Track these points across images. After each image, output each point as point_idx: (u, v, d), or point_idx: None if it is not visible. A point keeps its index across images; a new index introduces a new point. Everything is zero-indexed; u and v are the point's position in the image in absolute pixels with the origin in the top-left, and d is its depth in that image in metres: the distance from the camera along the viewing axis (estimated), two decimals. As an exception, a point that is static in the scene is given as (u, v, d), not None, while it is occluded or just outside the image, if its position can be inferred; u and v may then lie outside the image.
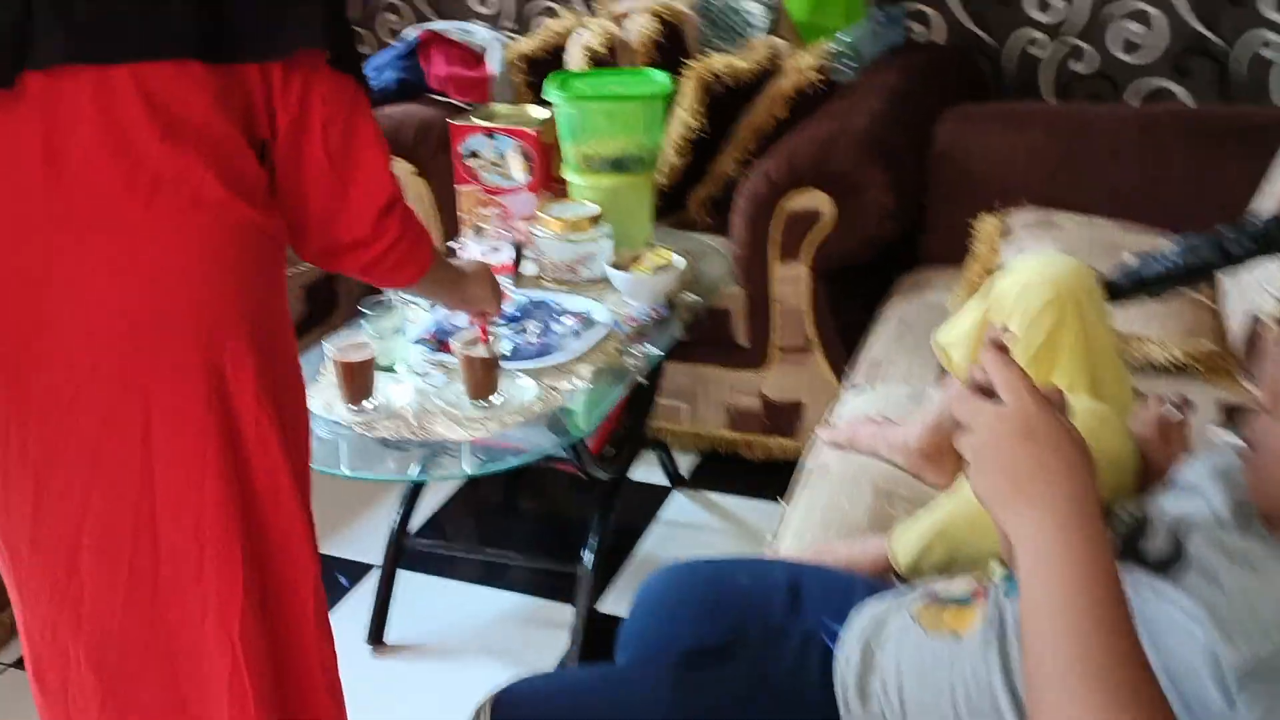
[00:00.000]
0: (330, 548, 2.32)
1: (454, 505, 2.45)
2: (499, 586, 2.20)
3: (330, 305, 2.84)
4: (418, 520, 2.26)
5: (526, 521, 2.41)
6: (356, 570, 2.27)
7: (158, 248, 1.13)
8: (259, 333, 1.19)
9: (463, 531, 2.38)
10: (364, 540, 2.31)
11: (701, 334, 2.40)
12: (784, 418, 2.46)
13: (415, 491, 2.13)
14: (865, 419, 1.70)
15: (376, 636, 2.06)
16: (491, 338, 1.70)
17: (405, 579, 2.14)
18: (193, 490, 1.18)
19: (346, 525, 2.38)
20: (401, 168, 2.60)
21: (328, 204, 1.23)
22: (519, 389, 1.74)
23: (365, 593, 2.15)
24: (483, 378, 1.69)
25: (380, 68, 2.72)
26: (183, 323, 1.15)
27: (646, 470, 2.48)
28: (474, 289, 1.61)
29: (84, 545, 1.19)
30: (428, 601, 2.17)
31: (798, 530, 1.52)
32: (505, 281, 1.98)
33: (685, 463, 2.56)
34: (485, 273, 1.65)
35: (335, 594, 2.20)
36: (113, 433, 1.15)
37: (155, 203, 1.11)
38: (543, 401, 1.72)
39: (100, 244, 1.12)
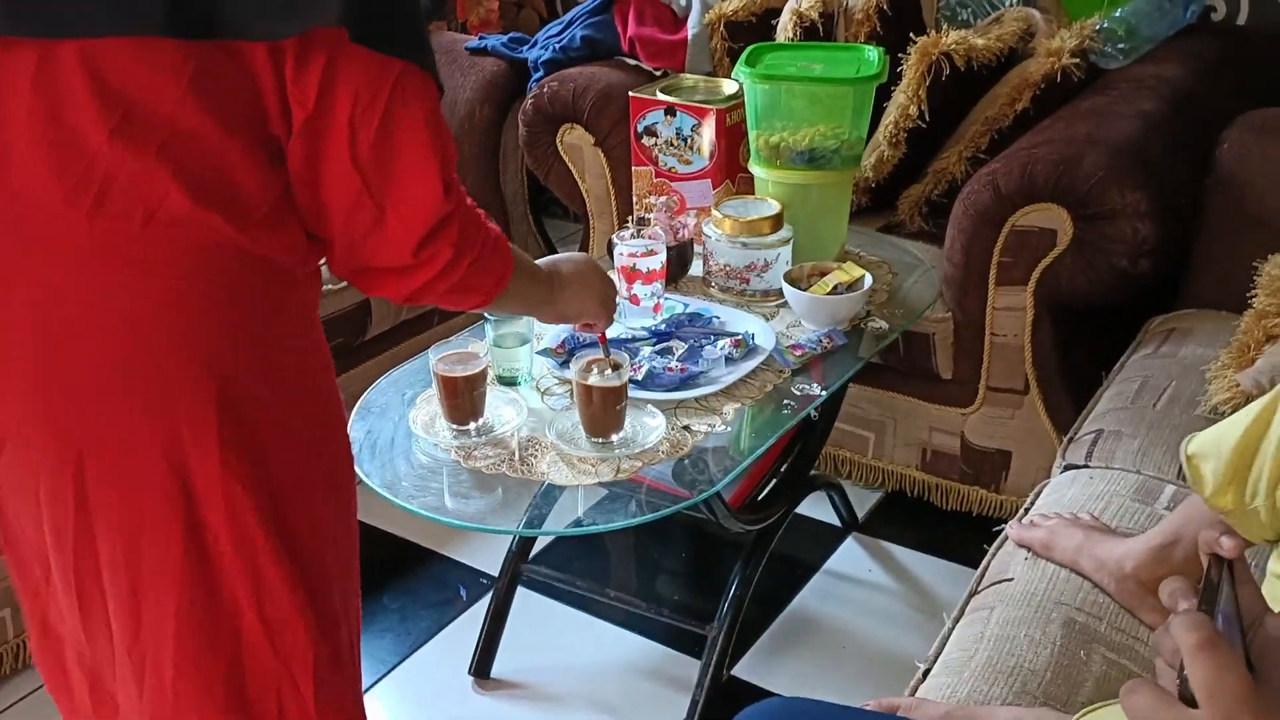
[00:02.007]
0: (452, 550, 2.13)
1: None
2: (623, 626, 1.94)
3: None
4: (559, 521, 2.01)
5: (662, 560, 2.13)
6: (477, 582, 2.06)
7: (100, 279, 0.90)
8: (235, 388, 0.95)
9: (588, 564, 2.12)
10: (492, 547, 2.10)
11: (898, 358, 2.05)
12: (987, 467, 2.07)
13: (547, 507, 1.90)
14: (1072, 519, 1.33)
15: (482, 669, 1.84)
16: (620, 364, 1.42)
17: (523, 597, 1.92)
18: (129, 583, 0.97)
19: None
20: (580, 138, 2.34)
21: (356, 224, 0.97)
22: (645, 425, 1.46)
23: (481, 611, 1.94)
24: (601, 412, 1.41)
25: (570, 23, 2.46)
26: (129, 382, 0.92)
27: (816, 504, 2.15)
28: (572, 301, 1.32)
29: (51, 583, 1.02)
30: (542, 630, 1.94)
31: (955, 664, 1.17)
32: (655, 289, 1.70)
33: (863, 500, 2.22)
34: (589, 276, 1.36)
35: (450, 607, 2.01)
36: (50, 497, 0.95)
37: (101, 216, 0.88)
38: (671, 444, 1.44)
39: (33, 269, 0.91)
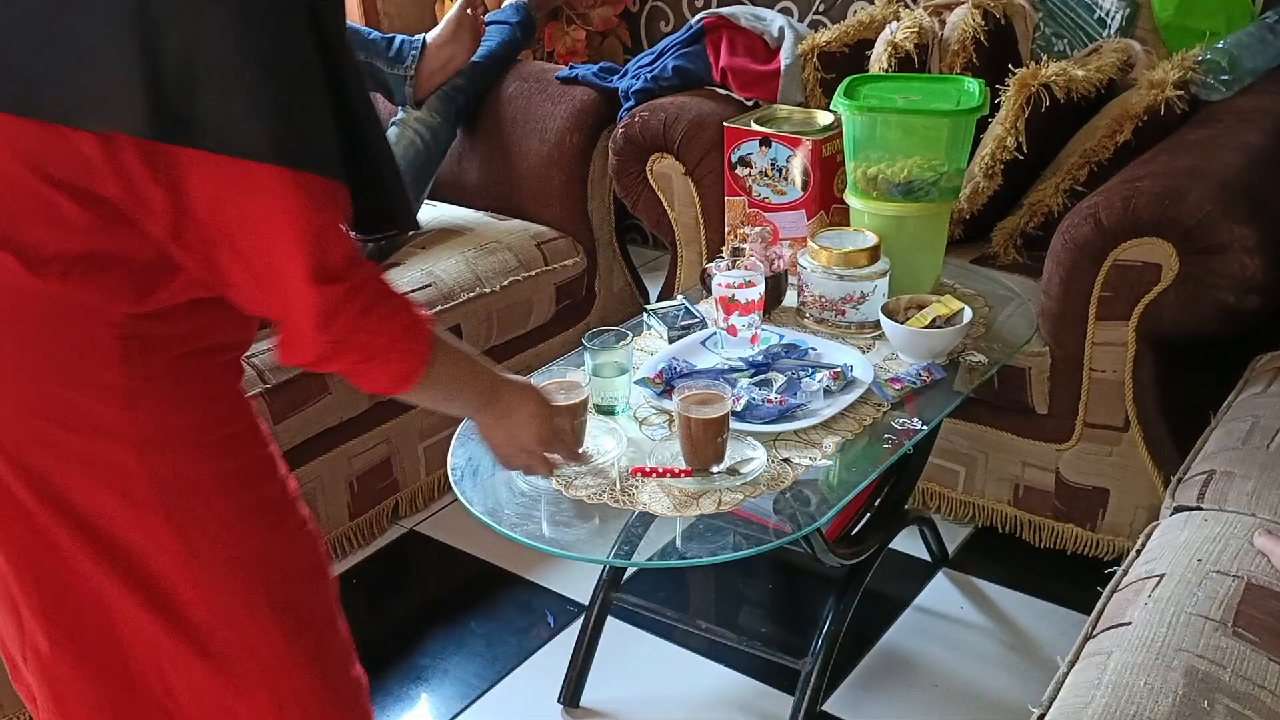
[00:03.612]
0: (539, 576, 2.14)
1: (683, 547, 2.20)
2: (715, 660, 1.92)
3: (585, 305, 2.65)
4: (642, 555, 2.00)
5: (755, 592, 2.11)
6: (566, 609, 2.07)
7: None
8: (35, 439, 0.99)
9: (677, 594, 2.12)
10: (578, 574, 2.10)
11: (991, 392, 2.02)
12: (1082, 504, 2.03)
13: (640, 531, 1.90)
14: None
15: (572, 698, 1.84)
16: (726, 397, 1.42)
17: (613, 627, 1.92)
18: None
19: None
20: (670, 166, 2.35)
21: (256, 310, 1.04)
22: (746, 457, 1.45)
23: (570, 638, 1.94)
24: (702, 443, 1.41)
25: (660, 54, 2.47)
26: None
27: (906, 539, 2.13)
28: (505, 427, 1.27)
29: None
30: (632, 660, 1.93)
31: (1071, 711, 1.15)
32: (753, 320, 1.70)
33: (954, 535, 2.18)
34: (532, 407, 1.28)
35: (539, 634, 2.01)
36: None
37: None
38: (772, 478, 1.43)
39: None
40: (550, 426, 1.30)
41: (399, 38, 2.50)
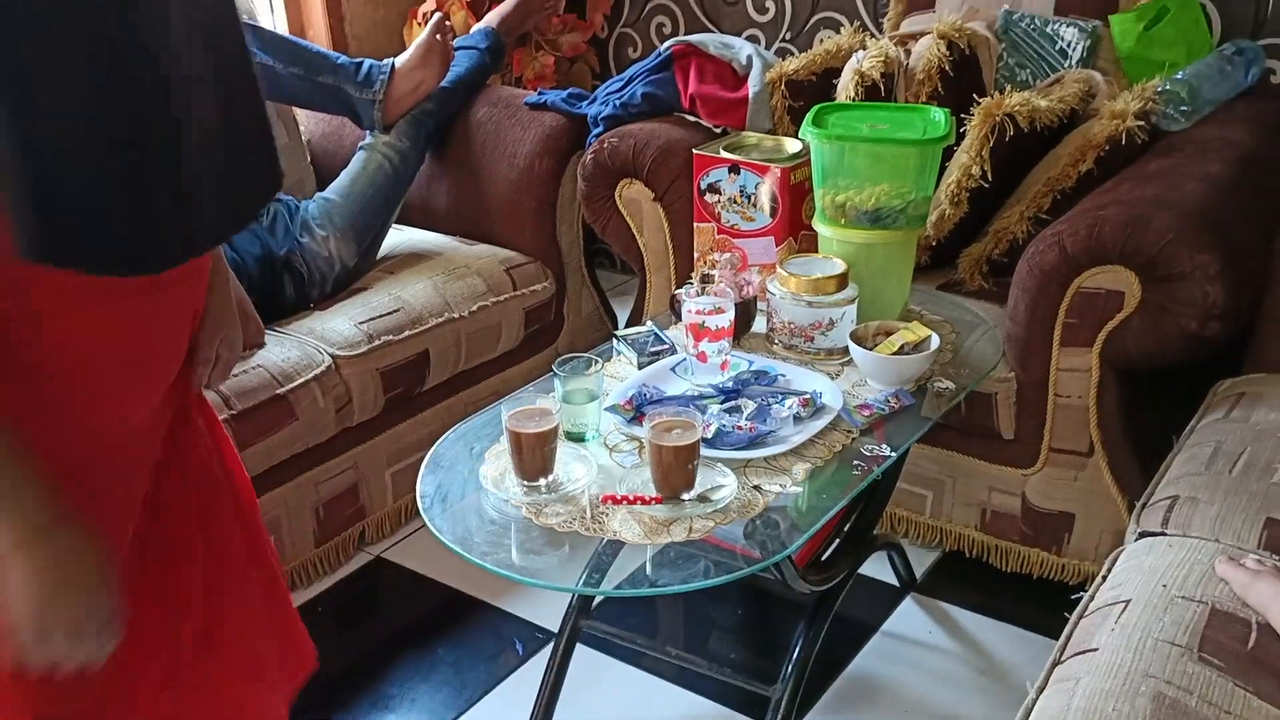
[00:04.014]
0: (506, 603, 2.13)
1: (653, 572, 2.20)
2: (685, 686, 1.92)
3: (554, 330, 2.65)
4: (611, 581, 2.00)
5: (724, 618, 2.11)
6: (533, 636, 2.05)
7: None
8: None
9: (650, 620, 2.11)
10: (546, 600, 2.09)
11: (958, 417, 2.04)
12: (1049, 529, 2.05)
13: (609, 558, 1.89)
14: (1273, 570, 1.30)
15: (539, 726, 1.83)
16: (696, 423, 1.42)
17: (582, 654, 1.91)
18: None
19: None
20: (639, 192, 2.36)
21: None
22: (716, 484, 1.45)
23: (537, 667, 1.93)
24: (673, 470, 1.41)
25: (629, 80, 2.49)
26: None
27: (875, 564, 2.13)
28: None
29: None
30: (603, 686, 1.92)
31: (1043, 738, 1.15)
32: (723, 347, 1.70)
33: (921, 560, 2.19)
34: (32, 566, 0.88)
35: (508, 662, 2.00)
36: None
37: None
38: (742, 505, 1.43)
39: None
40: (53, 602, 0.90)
41: (367, 62, 2.50)
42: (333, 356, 2.14)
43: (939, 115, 1.83)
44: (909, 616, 2.07)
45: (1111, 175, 2.02)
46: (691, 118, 2.43)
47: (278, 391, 2.03)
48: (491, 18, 2.83)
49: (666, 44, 2.50)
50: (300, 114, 2.72)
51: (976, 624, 2.05)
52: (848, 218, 1.82)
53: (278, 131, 2.63)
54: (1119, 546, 1.53)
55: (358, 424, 2.20)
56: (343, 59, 2.50)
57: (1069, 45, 2.35)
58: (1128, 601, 1.32)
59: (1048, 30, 2.37)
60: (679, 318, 1.84)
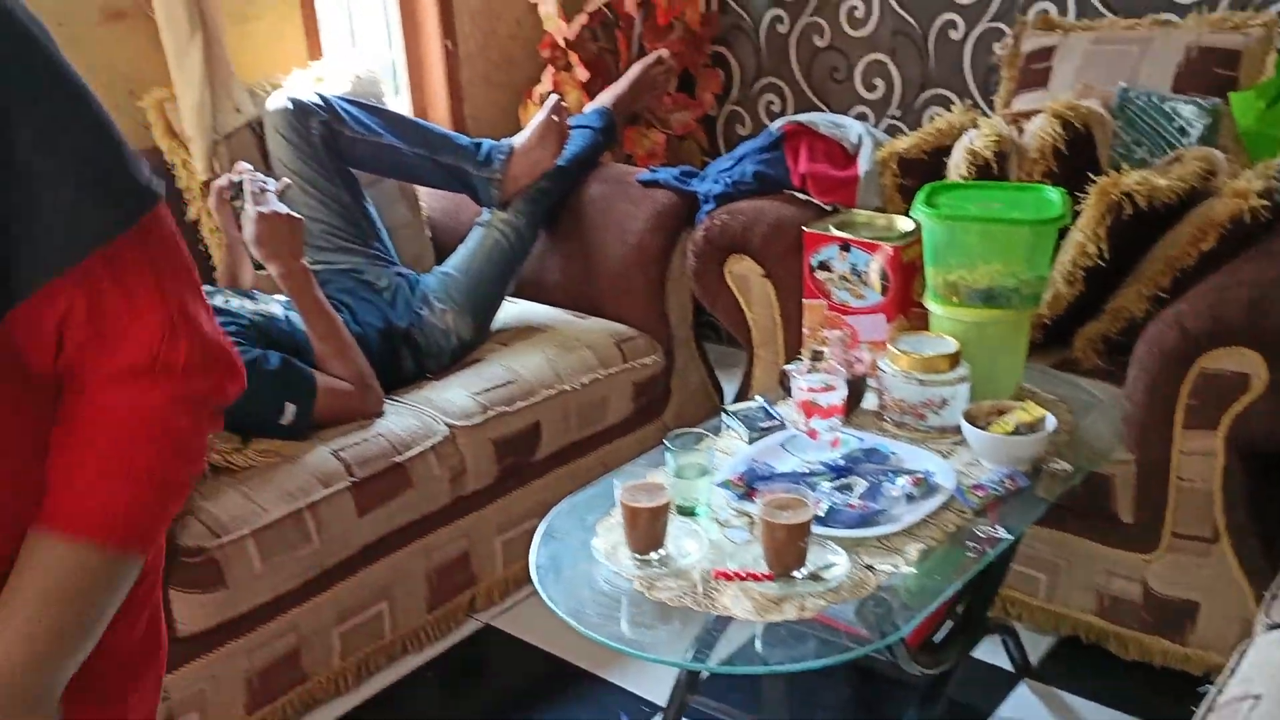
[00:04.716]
0: (617, 676, 2.13)
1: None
2: (791, 765, 1.90)
3: (662, 403, 2.68)
4: (718, 656, 1.98)
5: (832, 697, 2.08)
6: (639, 710, 2.05)
7: None
8: None
9: (757, 697, 2.08)
10: (653, 675, 2.09)
11: (1075, 499, 1.99)
12: (1171, 617, 1.98)
13: (717, 633, 1.88)
14: None
15: (644, 801, 1.82)
16: (808, 501, 1.43)
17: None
18: None
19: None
20: (749, 268, 2.39)
21: None
22: (828, 563, 1.45)
23: (643, 740, 1.93)
24: (785, 548, 1.42)
25: (740, 158, 2.53)
26: None
27: (988, 648, 2.09)
28: None
29: None
30: (709, 765, 1.91)
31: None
32: (834, 424, 1.71)
33: (1036, 645, 2.14)
34: None
35: (612, 734, 2.00)
36: None
37: None
38: (854, 584, 1.43)
39: None
40: None
41: (486, 143, 2.59)
42: (449, 426, 2.20)
43: (1053, 195, 1.82)
44: (1023, 703, 2.02)
45: (1233, 255, 1.98)
46: (801, 195, 2.46)
47: (395, 460, 2.09)
48: (605, 97, 2.92)
49: (777, 123, 2.54)
50: (421, 191, 2.83)
51: (1095, 714, 1.98)
52: (960, 296, 1.81)
53: (399, 210, 2.74)
54: (1247, 636, 1.47)
55: (471, 492, 2.25)
56: (463, 140, 2.60)
57: (1188, 123, 2.32)
58: (1258, 697, 1.27)
59: (1165, 108, 2.34)
60: (789, 393, 1.85)
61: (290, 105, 2.42)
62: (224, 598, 1.85)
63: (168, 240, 0.93)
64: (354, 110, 2.49)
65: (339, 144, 2.46)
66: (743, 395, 2.54)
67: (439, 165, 2.57)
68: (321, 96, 2.46)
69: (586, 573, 1.51)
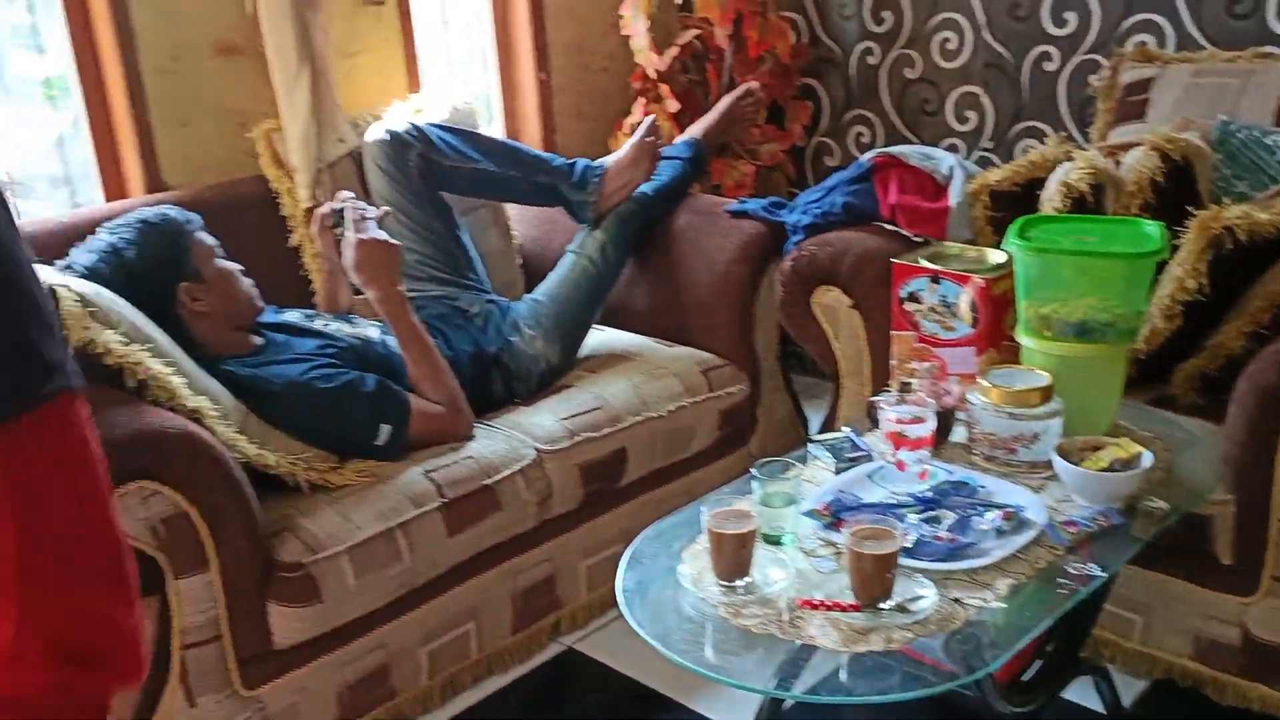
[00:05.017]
0: (698, 703, 2.13)
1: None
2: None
3: (747, 432, 2.68)
4: (801, 686, 1.96)
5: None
6: (721, 738, 2.05)
7: None
8: None
9: None
10: (733, 702, 2.09)
11: (1171, 539, 1.95)
12: (1271, 663, 1.92)
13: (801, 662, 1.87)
14: None
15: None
16: (896, 532, 1.43)
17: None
18: None
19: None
20: (836, 299, 2.39)
21: None
22: (915, 595, 1.45)
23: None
24: (872, 578, 1.42)
25: (829, 189, 2.54)
26: None
27: (1079, 690, 2.04)
28: None
29: None
30: (790, 797, 1.90)
31: None
32: (922, 456, 1.70)
33: (1129, 687, 2.09)
34: None
35: (693, 761, 2.00)
36: None
37: None
38: (943, 618, 1.42)
39: None
40: None
41: (580, 162, 2.65)
42: (537, 450, 2.23)
43: (1151, 228, 1.80)
44: (1115, 747, 1.97)
45: (1340, 291, 1.93)
46: (890, 227, 2.46)
47: (485, 482, 2.13)
48: (695, 129, 2.95)
49: (867, 155, 2.55)
50: (512, 219, 2.88)
51: (1190, 760, 1.93)
52: (1053, 330, 1.80)
53: (491, 238, 2.80)
54: (1353, 686, 1.43)
55: (556, 516, 2.28)
56: (557, 160, 2.66)
57: (1291, 156, 2.27)
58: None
59: (1267, 141, 2.29)
60: (876, 424, 1.85)
61: (387, 138, 2.50)
62: (319, 612, 1.90)
63: (69, 453, 0.90)
64: (448, 137, 2.56)
65: (436, 172, 2.53)
66: (828, 426, 2.53)
67: (535, 185, 2.63)
68: (416, 126, 2.53)
69: (672, 598, 1.53)
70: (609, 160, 2.65)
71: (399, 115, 2.65)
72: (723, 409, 2.55)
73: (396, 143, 2.50)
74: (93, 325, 1.79)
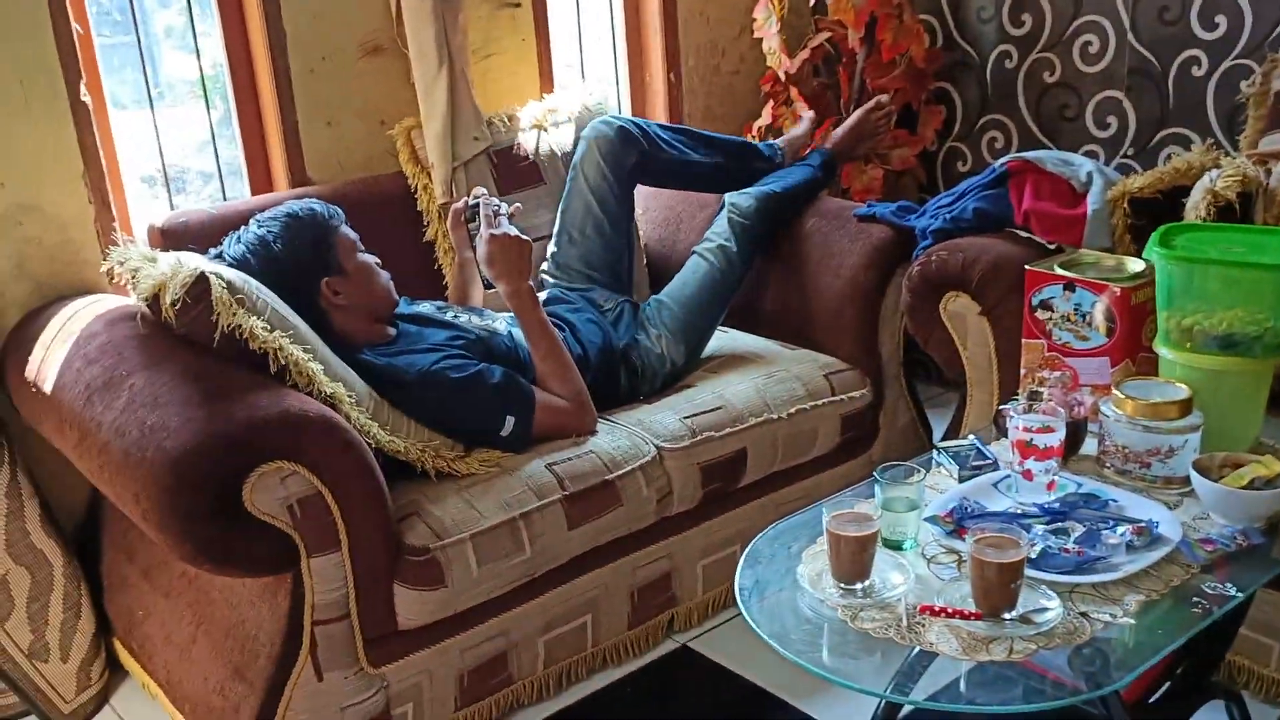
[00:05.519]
0: (810, 707, 2.13)
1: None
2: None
3: (869, 438, 2.66)
4: (922, 691, 1.93)
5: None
6: (834, 743, 2.04)
7: None
8: None
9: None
10: (847, 706, 2.08)
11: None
12: None
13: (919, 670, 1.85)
14: None
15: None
16: (1021, 542, 1.40)
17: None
18: None
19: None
20: (965, 306, 2.35)
21: None
22: (1040, 606, 1.42)
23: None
24: (995, 587, 1.40)
25: (961, 194, 2.50)
26: None
27: (1210, 714, 1.97)
28: None
29: None
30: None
31: None
32: (1050, 466, 1.67)
33: (1263, 716, 2.00)
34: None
35: (805, 765, 2.00)
36: None
37: None
38: (1067, 631, 1.39)
39: None
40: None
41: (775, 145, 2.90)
42: (658, 448, 2.26)
43: (1303, 239, 1.73)
44: (1248, 777, 1.89)
45: None
46: (1024, 234, 2.41)
47: (607, 477, 2.16)
48: (827, 141, 2.94)
49: (1002, 160, 2.50)
50: (639, 219, 2.92)
51: (1330, 797, 1.84)
52: (1194, 342, 1.74)
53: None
54: None
55: (675, 514, 2.30)
56: (762, 145, 2.88)
57: None
58: None
59: None
60: (1003, 433, 1.81)
61: (616, 134, 2.62)
62: (443, 596, 1.96)
63: None
64: (664, 133, 2.70)
65: (650, 167, 2.67)
66: (953, 434, 2.49)
67: (739, 171, 2.76)
68: (637, 124, 2.67)
69: (790, 598, 1.53)
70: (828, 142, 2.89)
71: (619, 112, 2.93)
72: (844, 414, 2.54)
73: (624, 141, 2.62)
74: (239, 312, 1.88)
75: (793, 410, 2.44)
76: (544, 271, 2.67)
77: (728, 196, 2.72)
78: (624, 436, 2.26)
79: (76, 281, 2.36)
